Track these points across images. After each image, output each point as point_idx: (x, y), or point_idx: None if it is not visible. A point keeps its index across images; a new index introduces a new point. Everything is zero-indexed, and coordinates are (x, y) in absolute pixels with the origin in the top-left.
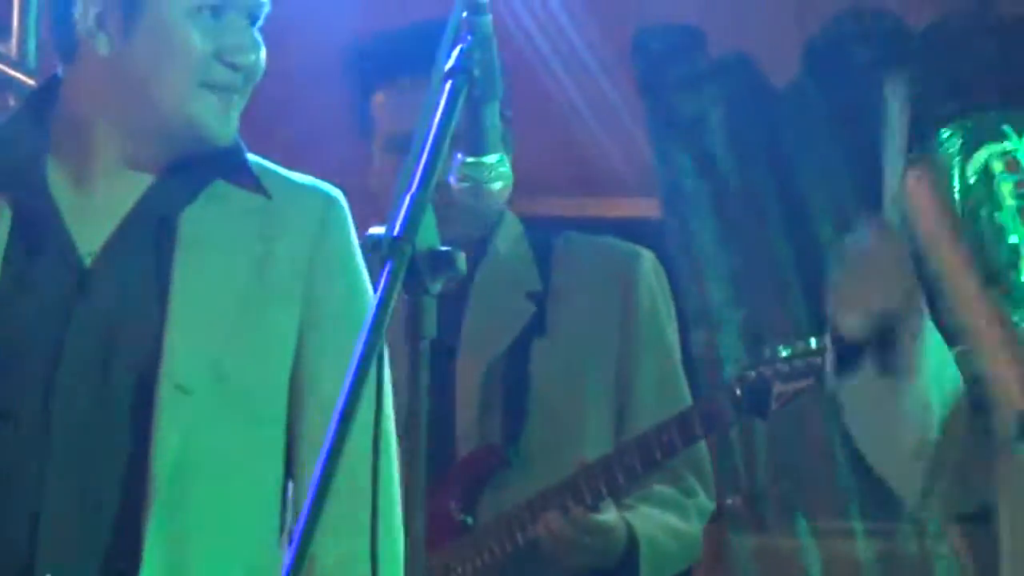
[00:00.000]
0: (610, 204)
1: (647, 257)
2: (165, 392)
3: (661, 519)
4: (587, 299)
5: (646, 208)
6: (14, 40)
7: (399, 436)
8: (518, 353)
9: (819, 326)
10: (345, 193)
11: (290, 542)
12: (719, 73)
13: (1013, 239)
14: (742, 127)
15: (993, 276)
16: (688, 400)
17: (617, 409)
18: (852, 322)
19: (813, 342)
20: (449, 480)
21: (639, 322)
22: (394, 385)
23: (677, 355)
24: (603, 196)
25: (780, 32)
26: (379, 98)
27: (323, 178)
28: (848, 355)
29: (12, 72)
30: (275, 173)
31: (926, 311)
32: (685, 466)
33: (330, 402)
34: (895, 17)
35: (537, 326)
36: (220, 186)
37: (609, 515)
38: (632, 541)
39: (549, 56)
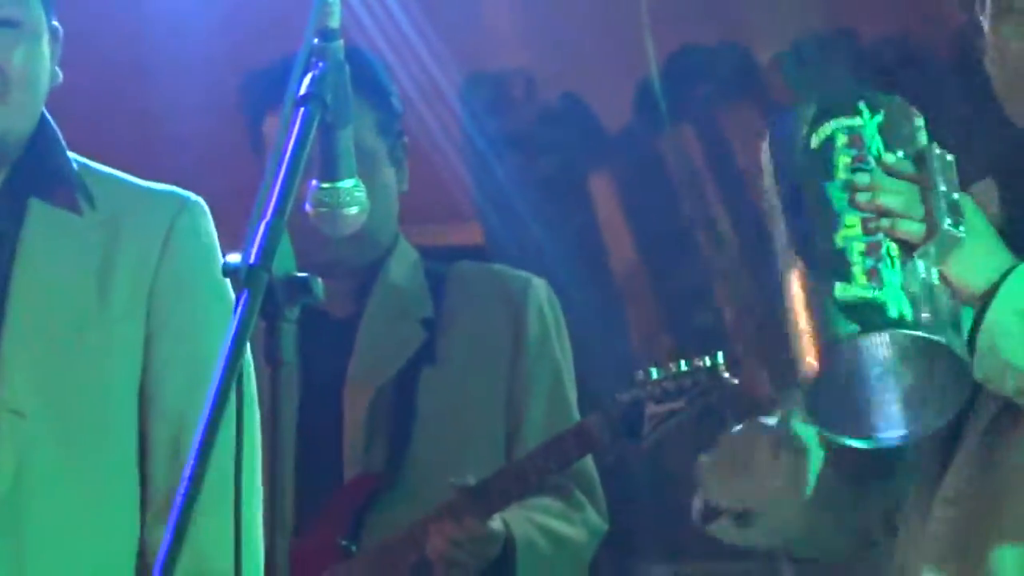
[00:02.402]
0: (432, 231)
1: (539, 284)
2: (0, 417)
3: (541, 522)
4: (478, 326)
5: (470, 234)
6: (59, 70)
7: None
8: (406, 380)
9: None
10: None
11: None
12: (549, 118)
13: (836, 207)
14: (575, 170)
15: (810, 243)
16: None
17: (507, 435)
18: (716, 504)
19: (683, 364)
20: (331, 506)
21: (529, 349)
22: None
23: (568, 379)
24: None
25: (612, 74)
26: (270, 121)
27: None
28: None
29: None
30: (119, 181)
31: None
32: (574, 482)
33: (174, 415)
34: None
35: (427, 353)
36: (42, 205)
37: (495, 521)
38: (509, 542)
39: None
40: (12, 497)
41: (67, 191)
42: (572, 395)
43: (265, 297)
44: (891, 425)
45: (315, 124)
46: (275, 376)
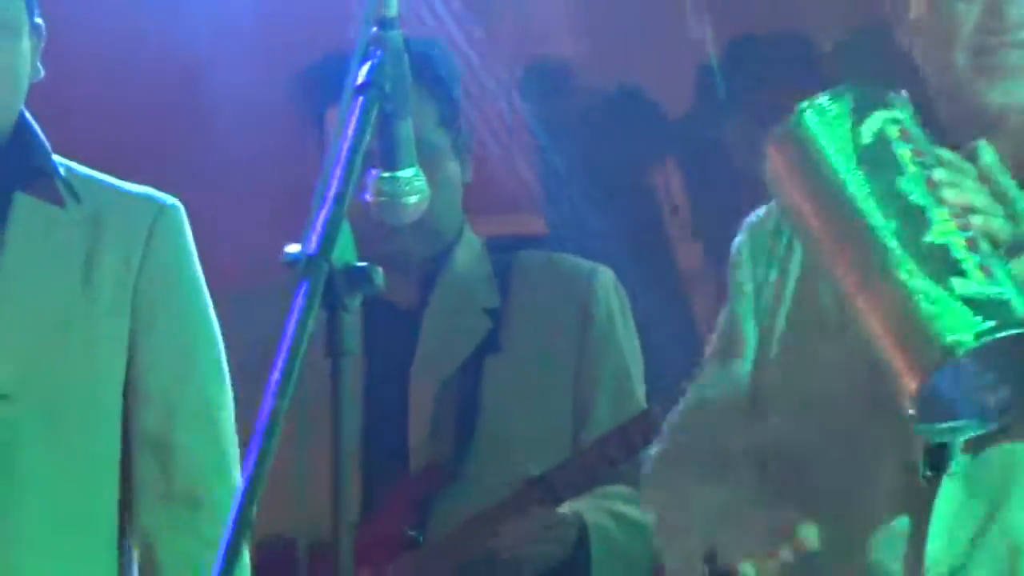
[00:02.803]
0: (496, 222)
1: (605, 273)
2: None
3: (613, 508)
4: (544, 315)
5: (531, 225)
6: (41, 66)
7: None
8: (472, 369)
9: None
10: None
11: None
12: (608, 106)
13: (917, 200)
14: (634, 156)
15: (902, 239)
16: None
17: (574, 425)
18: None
19: None
20: (398, 496)
21: (595, 338)
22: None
23: (635, 368)
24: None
25: (671, 61)
26: (331, 113)
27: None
28: None
29: None
30: (100, 183)
31: None
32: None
33: (163, 409)
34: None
35: (493, 342)
36: (27, 198)
37: (566, 509)
38: (582, 531)
39: None
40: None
41: (50, 185)
42: (639, 384)
43: (325, 287)
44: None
45: (374, 113)
46: (336, 366)
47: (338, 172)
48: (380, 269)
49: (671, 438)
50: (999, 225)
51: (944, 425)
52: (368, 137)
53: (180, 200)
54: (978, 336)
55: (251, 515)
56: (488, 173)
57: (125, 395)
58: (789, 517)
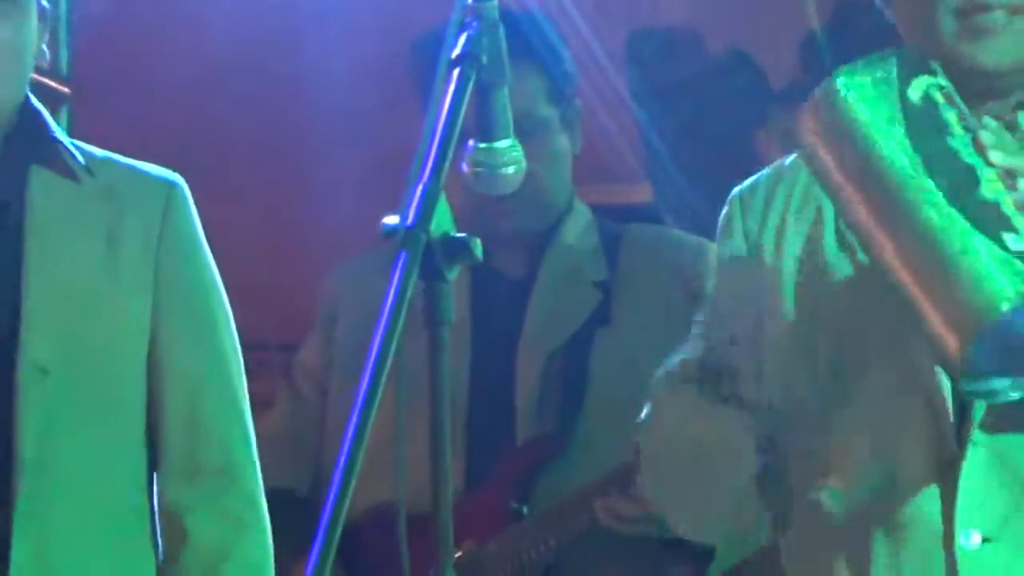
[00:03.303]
0: (605, 191)
1: (713, 249)
2: (25, 377)
3: None
4: (653, 289)
5: (637, 194)
6: (46, 49)
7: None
8: (580, 342)
9: None
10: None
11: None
12: (716, 73)
13: (969, 161)
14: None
15: (952, 195)
16: None
17: None
18: None
19: None
20: (503, 468)
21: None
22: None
23: None
24: (600, 184)
25: (778, 28)
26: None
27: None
28: None
29: (46, 80)
30: (112, 161)
31: None
32: None
33: (189, 380)
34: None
35: (601, 315)
36: (43, 172)
37: None
38: None
39: None
40: (40, 458)
41: (64, 161)
42: None
43: (423, 258)
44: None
45: (470, 85)
46: (434, 337)
47: (435, 144)
48: (479, 240)
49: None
50: None
51: (988, 385)
52: (464, 109)
53: (289, 168)
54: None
55: (350, 487)
56: (594, 142)
57: (148, 370)
58: None
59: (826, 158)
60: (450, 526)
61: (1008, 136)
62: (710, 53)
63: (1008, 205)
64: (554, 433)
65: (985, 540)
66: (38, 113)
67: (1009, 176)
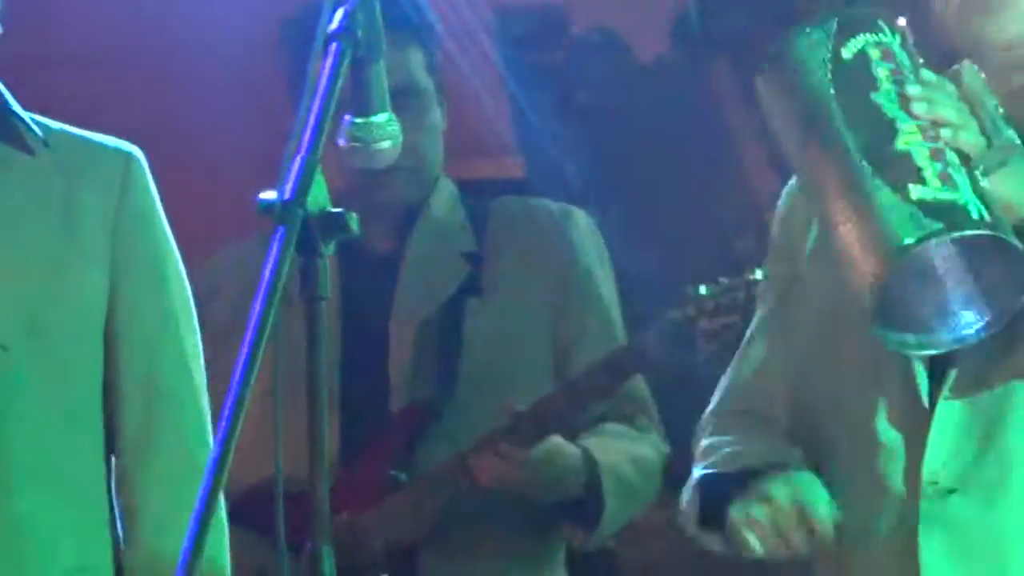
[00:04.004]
0: (472, 165)
1: (580, 215)
2: None
3: (620, 447)
4: (522, 259)
5: (510, 168)
6: None
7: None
8: (452, 312)
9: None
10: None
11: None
12: (583, 50)
13: (889, 115)
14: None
15: (868, 149)
16: None
17: (555, 364)
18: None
19: (732, 278)
20: (380, 438)
21: (575, 281)
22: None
23: (617, 313)
24: (465, 158)
25: (647, 5)
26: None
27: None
28: None
29: None
30: (68, 133)
31: None
32: (634, 408)
33: (146, 354)
34: None
35: (472, 286)
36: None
37: (555, 439)
38: (592, 472)
39: None
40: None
41: (18, 133)
42: (619, 325)
43: (300, 233)
44: (953, 326)
45: (347, 60)
46: (311, 311)
47: (311, 119)
48: (355, 214)
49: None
50: (969, 139)
51: (903, 337)
52: (340, 83)
53: (159, 150)
54: (924, 237)
55: (227, 461)
56: (462, 116)
57: (105, 342)
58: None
59: (777, 118)
60: (327, 499)
61: (949, 87)
62: (578, 30)
63: (922, 155)
64: (429, 399)
65: (950, 491)
66: None
67: (933, 127)
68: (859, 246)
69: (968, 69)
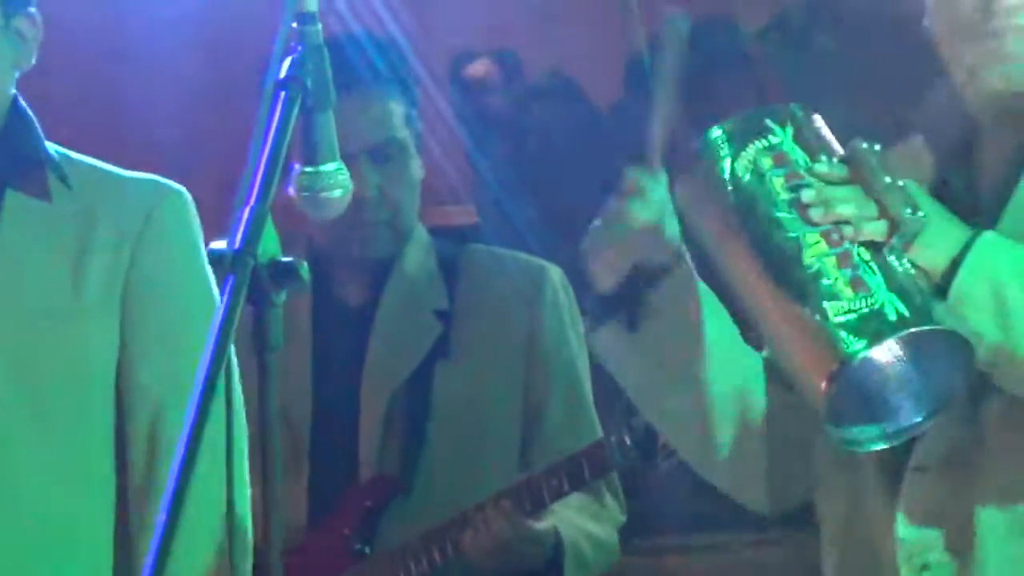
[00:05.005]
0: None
1: (553, 271)
2: None
3: (583, 526)
4: (492, 318)
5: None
6: None
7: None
8: (422, 377)
9: None
10: None
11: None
12: (539, 95)
13: (792, 233)
14: (564, 147)
15: (780, 270)
16: (596, 426)
17: (523, 436)
18: (602, 272)
19: None
20: (345, 506)
21: (545, 343)
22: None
23: (585, 376)
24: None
25: (600, 51)
26: None
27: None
28: (598, 309)
29: None
30: (99, 170)
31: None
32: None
33: (151, 402)
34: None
35: (442, 347)
36: (17, 196)
37: (544, 523)
38: (558, 546)
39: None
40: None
41: (41, 178)
42: (587, 386)
43: (251, 283)
44: (909, 416)
45: (296, 108)
46: (262, 362)
47: (262, 167)
48: (305, 263)
49: None
50: (872, 228)
51: (854, 434)
52: (290, 132)
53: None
54: (847, 359)
55: (179, 518)
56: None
57: (118, 388)
58: None
59: (695, 224)
60: (279, 554)
61: (843, 174)
62: (533, 76)
63: (830, 269)
64: (396, 472)
65: (923, 567)
66: (24, 123)
67: (835, 229)
68: (800, 364)
69: (858, 147)
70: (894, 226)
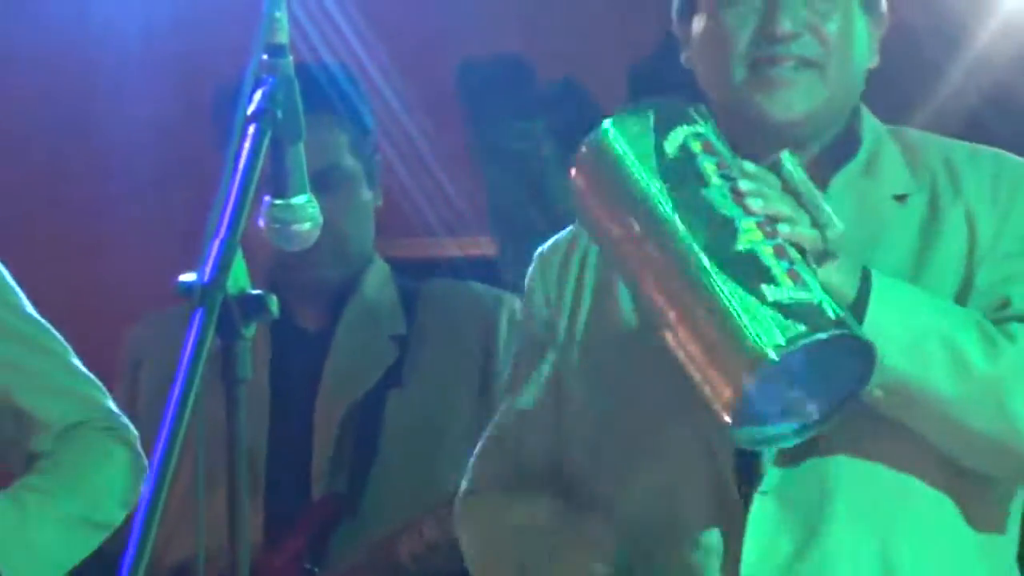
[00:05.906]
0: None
1: (510, 301)
2: None
3: None
4: (448, 345)
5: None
6: None
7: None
8: (374, 399)
9: None
10: None
11: None
12: (547, 102)
13: (725, 213)
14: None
15: (710, 248)
16: None
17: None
18: None
19: None
20: (296, 527)
21: (499, 370)
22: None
23: None
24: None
25: (606, 57)
26: None
27: None
28: None
29: None
30: None
31: None
32: None
33: (55, 417)
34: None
35: (396, 371)
36: None
37: None
38: None
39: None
40: None
41: None
42: None
43: (220, 315)
44: (798, 418)
45: (266, 140)
46: (231, 394)
47: (231, 200)
48: (275, 297)
49: (474, 474)
50: (805, 233)
51: (762, 433)
52: (260, 164)
53: (86, 223)
54: (791, 341)
55: (147, 546)
56: (394, 196)
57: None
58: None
59: (596, 213)
60: None
61: (772, 178)
62: (540, 83)
63: (766, 254)
64: (344, 492)
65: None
66: None
67: (770, 223)
68: (720, 348)
69: (787, 158)
70: (823, 237)
